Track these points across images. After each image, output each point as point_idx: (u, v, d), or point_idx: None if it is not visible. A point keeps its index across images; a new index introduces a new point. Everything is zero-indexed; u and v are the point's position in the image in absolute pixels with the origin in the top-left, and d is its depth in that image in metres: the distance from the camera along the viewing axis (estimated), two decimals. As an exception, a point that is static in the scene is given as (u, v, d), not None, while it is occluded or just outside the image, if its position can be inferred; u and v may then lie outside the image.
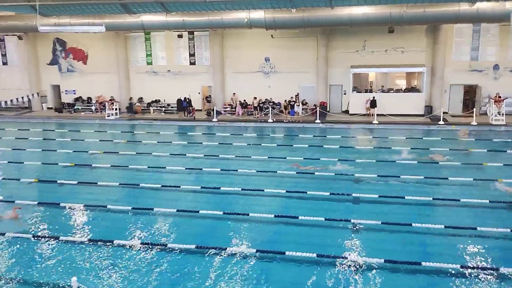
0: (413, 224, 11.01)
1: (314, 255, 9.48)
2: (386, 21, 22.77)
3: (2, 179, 15.89)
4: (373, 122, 24.98)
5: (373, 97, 26.07)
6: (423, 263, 9.06)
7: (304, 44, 27.48)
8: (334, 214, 11.78)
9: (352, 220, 11.40)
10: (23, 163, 17.91)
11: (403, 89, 27.71)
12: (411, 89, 27.38)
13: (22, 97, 29.40)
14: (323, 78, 27.62)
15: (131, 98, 30.16)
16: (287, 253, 9.61)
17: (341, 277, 8.79)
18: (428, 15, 21.85)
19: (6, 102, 27.86)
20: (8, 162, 18.11)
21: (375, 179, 14.93)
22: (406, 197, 12.93)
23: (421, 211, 12.28)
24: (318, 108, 25.86)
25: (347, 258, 9.46)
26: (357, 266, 9.15)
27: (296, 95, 27.43)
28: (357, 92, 27.21)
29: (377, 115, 25.24)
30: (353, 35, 26.64)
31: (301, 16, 22.65)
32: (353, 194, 13.32)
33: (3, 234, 10.91)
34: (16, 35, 30.16)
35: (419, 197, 12.99)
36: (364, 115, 26.44)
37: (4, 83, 32.01)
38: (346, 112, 27.58)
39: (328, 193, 13.37)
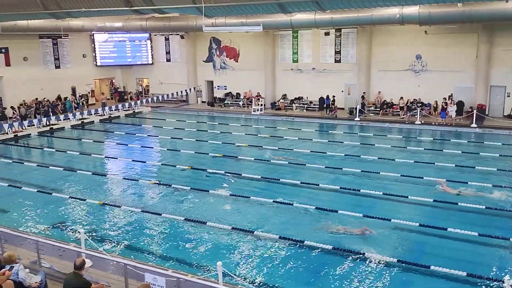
0: None
1: (464, 273, 8.62)
2: None
3: (162, 164, 17.79)
4: (544, 129, 21.74)
5: (545, 101, 22.67)
6: None
7: (461, 40, 25.10)
8: (490, 230, 10.54)
9: (512, 240, 10.09)
10: (179, 151, 19.80)
11: None
12: None
13: (181, 91, 32.55)
14: (483, 78, 24.88)
15: (284, 95, 31.21)
16: (432, 267, 8.91)
17: (496, 303, 7.83)
18: None
19: (168, 95, 31.21)
20: (167, 149, 20.20)
21: (543, 196, 12.96)
22: None
23: None
24: (475, 111, 23.40)
25: (503, 282, 8.36)
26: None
27: (449, 96, 25.22)
28: (524, 94, 23.99)
29: (549, 121, 21.90)
30: (523, 30, 23.46)
31: (461, 10, 20.60)
32: (515, 210, 11.76)
33: (160, 214, 12.19)
34: (179, 34, 33.48)
35: None
36: (532, 121, 23.17)
37: (167, 78, 35.82)
38: (509, 116, 24.47)
39: (484, 207, 12.02)
